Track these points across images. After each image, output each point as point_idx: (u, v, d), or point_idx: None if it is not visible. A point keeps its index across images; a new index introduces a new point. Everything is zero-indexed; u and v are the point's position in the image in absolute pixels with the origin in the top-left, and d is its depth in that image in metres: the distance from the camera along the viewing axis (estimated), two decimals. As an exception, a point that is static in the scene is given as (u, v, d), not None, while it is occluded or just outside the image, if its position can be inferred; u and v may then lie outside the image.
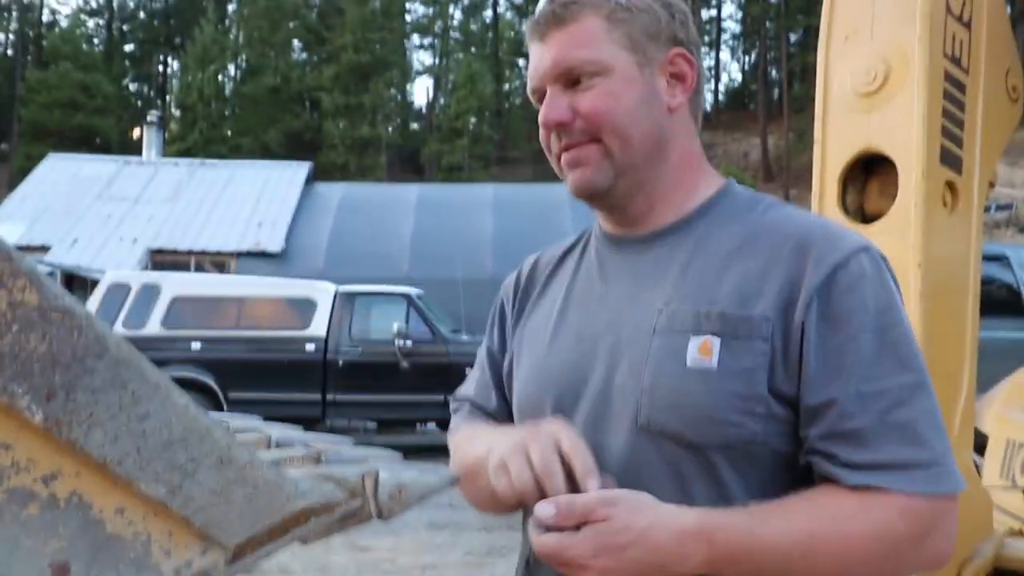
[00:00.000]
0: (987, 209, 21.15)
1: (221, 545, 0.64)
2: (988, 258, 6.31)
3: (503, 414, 1.06)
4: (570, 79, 0.91)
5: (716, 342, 0.83)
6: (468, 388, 1.12)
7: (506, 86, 43.46)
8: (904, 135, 1.70)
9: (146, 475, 0.60)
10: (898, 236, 1.69)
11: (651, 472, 0.85)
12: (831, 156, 1.82)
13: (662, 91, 0.93)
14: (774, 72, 41.21)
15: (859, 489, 0.79)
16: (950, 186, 1.76)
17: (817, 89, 1.89)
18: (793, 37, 37.86)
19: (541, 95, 0.94)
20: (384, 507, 0.71)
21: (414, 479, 0.73)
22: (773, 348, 0.83)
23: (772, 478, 0.84)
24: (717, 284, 0.87)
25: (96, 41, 44.07)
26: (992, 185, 1.97)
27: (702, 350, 0.84)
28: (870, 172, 1.83)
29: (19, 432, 0.56)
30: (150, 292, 8.02)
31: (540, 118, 0.93)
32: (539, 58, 0.94)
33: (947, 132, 1.74)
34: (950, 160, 1.75)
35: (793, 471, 0.85)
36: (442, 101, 41.58)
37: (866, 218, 1.82)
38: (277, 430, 0.90)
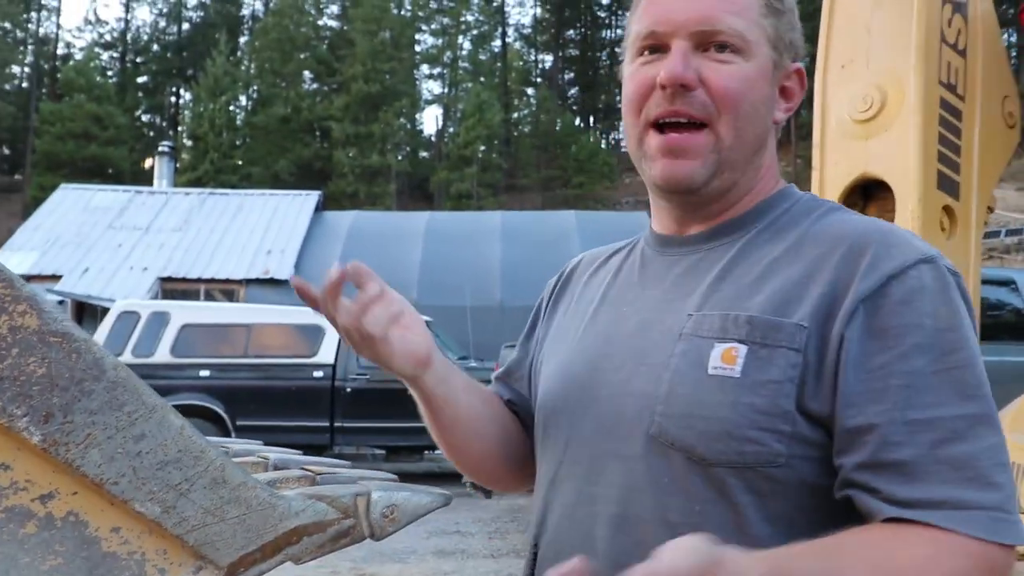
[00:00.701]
0: (997, 234, 21.03)
1: (215, 563, 0.65)
2: (997, 283, 6.30)
3: (515, 403, 1.03)
4: (707, 41, 0.81)
5: (742, 349, 0.75)
6: (502, 369, 1.09)
7: (515, 115, 43.85)
8: (901, 161, 1.72)
9: (141, 495, 0.62)
10: (897, 261, 1.71)
11: (660, 487, 0.77)
12: (829, 182, 1.84)
13: (775, 101, 0.88)
14: (780, 99, 41.39)
15: (916, 526, 0.68)
16: (947, 211, 1.78)
17: (815, 116, 1.92)
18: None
19: (657, 42, 0.83)
20: (376, 526, 0.72)
21: (406, 499, 0.74)
22: (806, 361, 0.73)
23: (798, 510, 0.74)
24: (754, 290, 0.79)
25: (110, 73, 44.80)
26: (991, 210, 1.98)
27: (725, 357, 0.76)
28: (868, 197, 1.85)
29: (17, 452, 0.58)
30: (159, 320, 8.07)
31: (660, 71, 0.81)
32: (677, 4, 0.82)
33: (944, 158, 1.76)
34: (947, 186, 1.77)
35: (826, 505, 0.74)
36: (451, 130, 41.95)
37: (865, 243, 1.83)
38: (275, 453, 0.92)
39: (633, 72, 0.85)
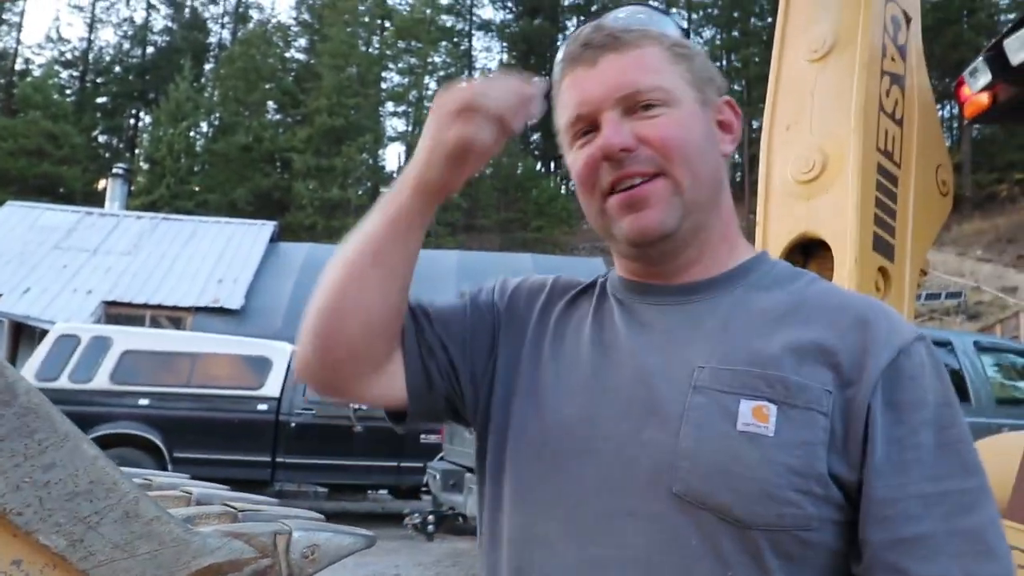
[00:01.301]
0: (937, 296, 21.68)
1: (121, 601, 0.63)
2: (935, 343, 6.49)
3: (419, 334, 0.91)
4: (632, 105, 0.83)
5: (773, 408, 0.74)
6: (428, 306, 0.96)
7: (476, 156, 44.17)
8: (839, 222, 1.78)
9: (47, 527, 0.59)
10: (833, 318, 1.76)
11: (688, 550, 0.73)
12: (772, 238, 1.89)
13: (717, 136, 0.89)
14: (737, 156, 42.57)
15: None
16: (883, 272, 1.84)
17: (760, 175, 1.98)
18: (755, 124, 39.31)
19: (587, 124, 0.85)
20: (295, 567, 0.71)
21: (328, 539, 0.73)
22: (832, 426, 0.74)
23: (819, 575, 0.75)
24: (766, 346, 0.78)
25: (69, 92, 44.07)
26: (924, 273, 2.06)
27: (757, 414, 0.74)
28: (808, 255, 1.90)
29: (-84, 478, 0.56)
30: (100, 345, 7.84)
31: (598, 145, 0.83)
32: (592, 83, 0.84)
33: (880, 221, 1.83)
34: (883, 248, 1.83)
35: (843, 571, 0.76)
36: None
37: (804, 299, 1.88)
38: (200, 488, 0.89)
39: (575, 158, 0.86)
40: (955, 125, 33.32)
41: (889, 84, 1.89)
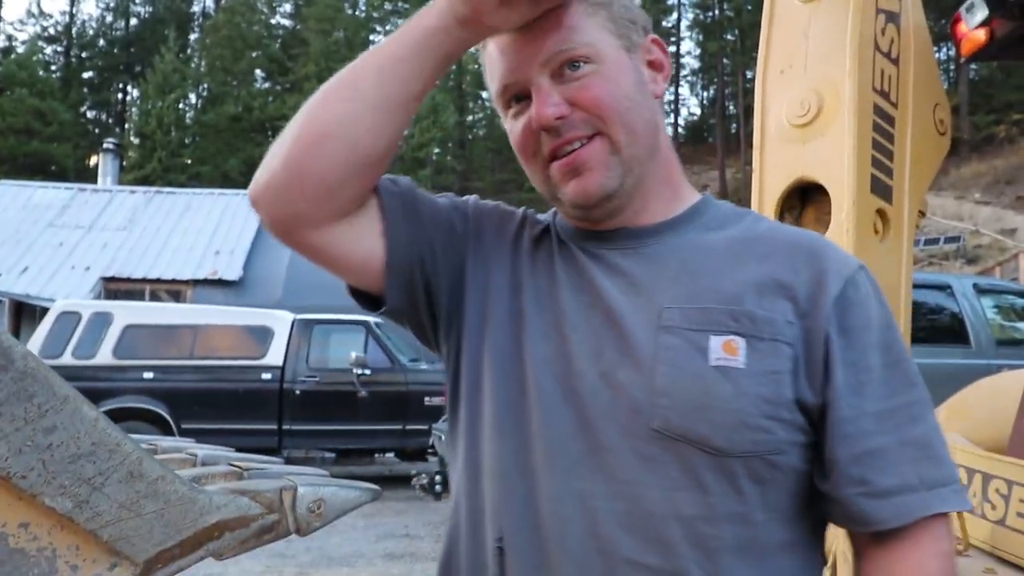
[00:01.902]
0: (936, 241, 21.62)
1: (131, 559, 0.63)
2: (935, 287, 6.50)
3: (387, 203, 0.88)
4: (558, 68, 0.83)
5: (741, 342, 0.78)
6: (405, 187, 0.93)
7: (469, 117, 43.80)
8: (836, 165, 1.76)
9: (51, 489, 0.60)
10: (832, 262, 1.75)
11: (669, 481, 0.77)
12: (768, 184, 1.88)
13: (648, 79, 0.88)
14: (731, 107, 42.21)
15: (904, 538, 0.79)
16: (881, 214, 1.83)
17: (755, 120, 1.96)
18: (749, 73, 38.84)
19: (517, 91, 0.86)
20: (302, 521, 0.71)
21: (333, 494, 0.73)
22: (795, 354, 0.79)
23: (788, 495, 0.80)
24: (729, 284, 0.82)
25: (54, 68, 43.47)
26: (923, 214, 2.04)
27: (727, 348, 0.78)
28: (806, 200, 1.89)
29: (-82, 445, 0.56)
30: (101, 321, 7.85)
31: (533, 115, 0.84)
32: (517, 49, 0.84)
33: (877, 163, 1.81)
34: (880, 190, 1.82)
35: (807, 490, 0.81)
36: (405, 132, 41.70)
37: (803, 245, 1.88)
38: (204, 450, 0.89)
39: (511, 127, 0.87)
40: (952, 67, 32.95)
41: (884, 22, 1.86)
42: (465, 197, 0.99)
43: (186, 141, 35.60)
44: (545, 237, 0.94)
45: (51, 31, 45.66)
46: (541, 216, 0.98)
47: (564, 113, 0.83)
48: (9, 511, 0.58)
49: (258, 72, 41.37)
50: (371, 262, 0.87)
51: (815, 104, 1.80)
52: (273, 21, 44.04)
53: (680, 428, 0.77)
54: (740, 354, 0.78)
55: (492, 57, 0.87)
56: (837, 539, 1.66)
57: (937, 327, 6.10)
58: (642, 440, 0.78)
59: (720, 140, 37.84)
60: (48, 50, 44.34)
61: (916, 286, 2.01)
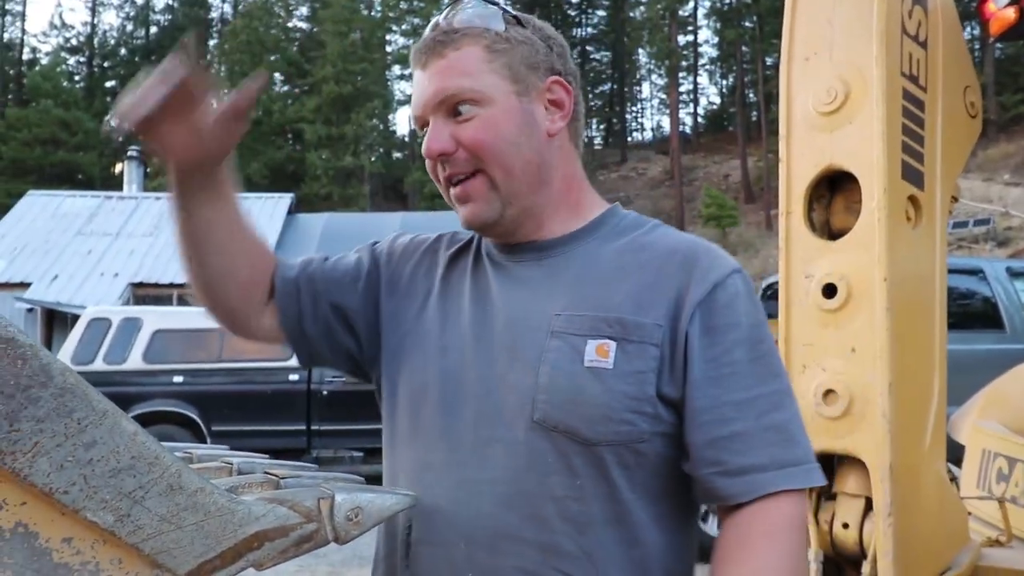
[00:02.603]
0: (965, 224, 21.29)
1: (172, 572, 0.63)
2: (966, 272, 6.38)
3: (291, 289, 1.04)
4: (451, 108, 0.94)
5: (612, 345, 0.89)
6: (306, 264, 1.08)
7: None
8: (865, 152, 1.73)
9: (93, 503, 0.60)
10: (863, 251, 1.72)
11: (545, 466, 0.88)
12: (796, 174, 1.85)
13: (541, 118, 0.97)
14: (751, 94, 41.80)
15: (753, 506, 0.88)
16: (913, 201, 1.79)
17: (780, 110, 1.93)
18: (769, 60, 38.43)
19: (423, 123, 0.97)
20: (340, 530, 0.71)
21: (371, 501, 0.73)
22: (662, 354, 0.89)
23: (655, 478, 0.91)
24: (611, 293, 0.92)
25: (77, 78, 44.11)
26: (955, 199, 2.00)
27: (599, 351, 0.89)
28: (835, 189, 1.86)
29: (-38, 463, 0.56)
30: (131, 326, 7.95)
31: (423, 148, 0.96)
32: (421, 87, 0.97)
33: (908, 148, 1.78)
34: (912, 176, 1.79)
35: (675, 474, 0.92)
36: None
37: (832, 234, 1.85)
38: (240, 458, 0.90)
39: (422, 147, 0.98)
40: (977, 46, 32.36)
41: (911, 5, 1.82)
42: (383, 241, 1.12)
43: (208, 146, 35.89)
44: (464, 253, 1.05)
45: (74, 42, 46.36)
46: (462, 235, 1.09)
47: (447, 149, 0.94)
48: (52, 526, 0.59)
49: (276, 75, 41.67)
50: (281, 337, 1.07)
51: (842, 91, 1.77)
52: (290, 24, 44.35)
53: (555, 420, 0.88)
54: (610, 356, 0.89)
55: (413, 87, 0.99)
56: (875, 535, 1.64)
57: (970, 312, 6.00)
58: (524, 431, 0.89)
59: (740, 129, 37.51)
60: (71, 61, 45.04)
61: (948, 271, 1.97)
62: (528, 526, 0.88)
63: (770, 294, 6.81)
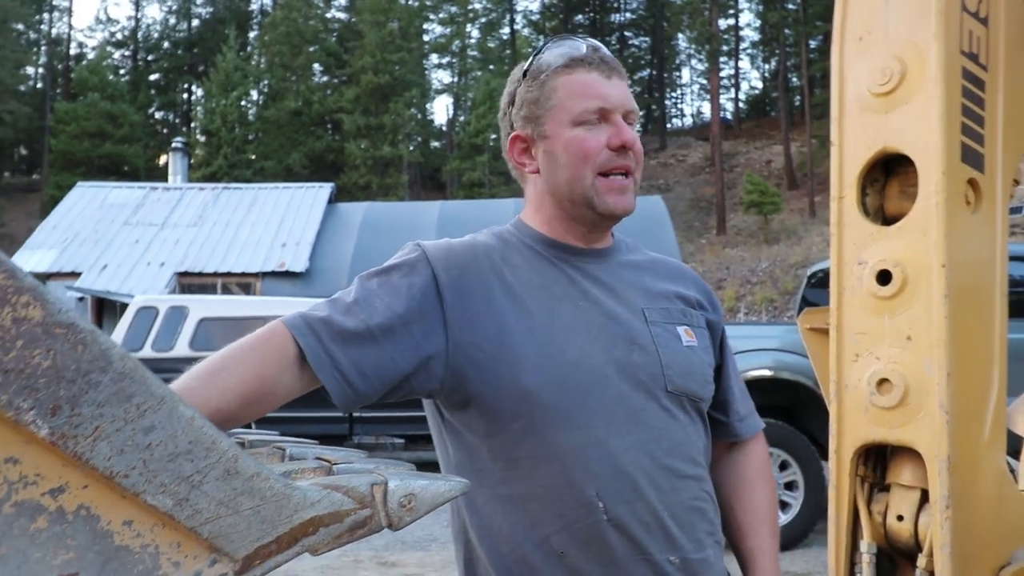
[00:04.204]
0: (1018, 210, 20.66)
1: (230, 556, 0.63)
2: (1022, 259, 6.18)
3: (362, 392, 1.10)
4: (626, 117, 1.17)
5: (692, 330, 1.21)
6: (340, 335, 1.09)
7: (525, 102, 43.52)
8: (923, 134, 1.67)
9: (153, 487, 0.60)
10: (920, 237, 1.66)
11: (684, 420, 1.16)
12: (849, 158, 1.80)
13: None
14: (794, 78, 40.98)
15: (751, 442, 1.34)
16: (972, 184, 1.73)
17: (832, 92, 1.87)
18: (812, 43, 37.61)
19: (600, 116, 1.16)
20: (394, 516, 0.71)
21: (424, 487, 0.72)
22: (709, 335, 1.26)
23: (704, 422, 1.23)
24: (667, 292, 1.24)
25: (122, 71, 44.98)
26: (1017, 183, 1.93)
27: (687, 334, 1.20)
28: (890, 173, 1.80)
29: (26, 446, 0.57)
30: (178, 314, 8.12)
31: (623, 138, 1.15)
32: (611, 91, 1.17)
33: (967, 130, 1.71)
34: (971, 158, 1.72)
35: (705, 417, 1.24)
36: (462, 118, 41.82)
37: (887, 219, 1.79)
38: (291, 443, 0.91)
39: (580, 135, 1.15)
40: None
41: (972, -20, 1.75)
42: (415, 260, 1.14)
43: (249, 137, 36.45)
44: (511, 252, 1.19)
45: (119, 36, 47.29)
46: (486, 239, 1.21)
47: (634, 147, 1.18)
48: (113, 509, 0.59)
49: (316, 66, 42.02)
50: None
51: (898, 71, 1.71)
52: (328, 15, 44.63)
53: (682, 388, 1.16)
54: (694, 337, 1.21)
55: (582, 83, 1.17)
56: (932, 527, 1.59)
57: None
58: (661, 399, 1.14)
59: (784, 114, 36.80)
60: (116, 55, 45.92)
61: (1009, 258, 1.90)
62: (689, 466, 1.14)
63: (814, 282, 6.66)
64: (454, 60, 43.94)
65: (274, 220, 18.22)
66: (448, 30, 43.53)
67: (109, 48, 44.95)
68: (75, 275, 16.05)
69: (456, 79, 44.45)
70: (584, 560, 1.08)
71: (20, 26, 42.52)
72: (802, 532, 5.11)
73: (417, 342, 1.08)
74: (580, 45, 1.19)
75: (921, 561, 1.60)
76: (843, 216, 1.79)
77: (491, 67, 40.59)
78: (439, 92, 44.99)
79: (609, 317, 1.15)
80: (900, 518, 1.67)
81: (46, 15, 45.93)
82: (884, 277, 1.68)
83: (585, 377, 1.11)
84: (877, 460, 1.75)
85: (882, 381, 1.65)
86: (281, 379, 1.05)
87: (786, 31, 39.11)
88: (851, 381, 1.70)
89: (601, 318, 1.15)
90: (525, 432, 1.09)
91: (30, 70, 44.20)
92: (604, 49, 1.21)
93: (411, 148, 37.34)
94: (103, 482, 0.58)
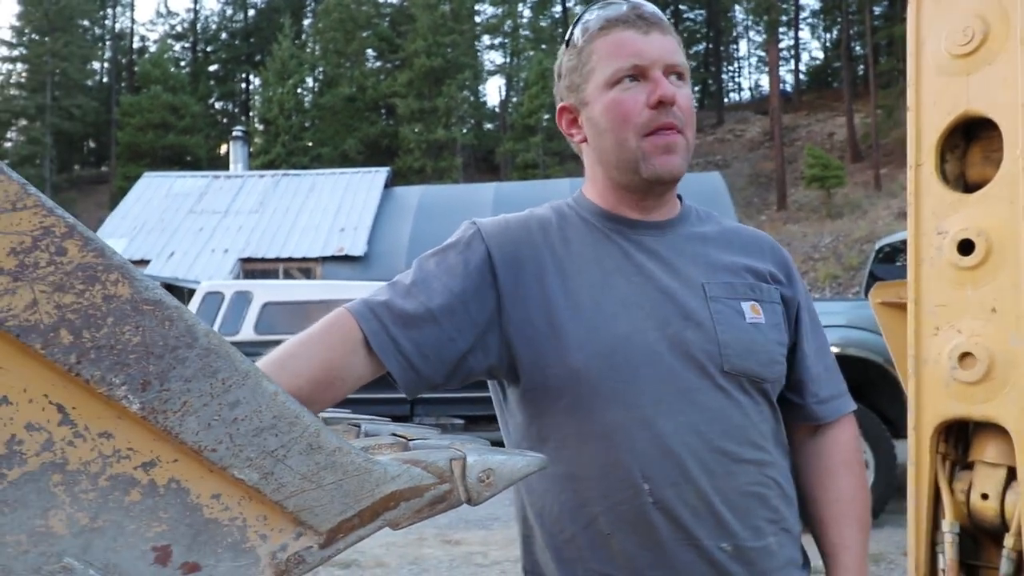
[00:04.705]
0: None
1: (315, 529, 0.64)
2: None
3: (425, 374, 1.07)
4: (670, 74, 1.09)
5: (758, 305, 1.11)
6: (403, 317, 1.06)
7: (578, 80, 43.12)
8: (1008, 96, 1.59)
9: (239, 461, 0.61)
10: (1005, 204, 1.59)
11: (742, 402, 1.08)
12: (927, 123, 1.72)
13: None
14: (857, 47, 39.61)
15: (835, 427, 1.20)
16: (1061, 148, 1.64)
17: (909, 54, 1.79)
18: (877, 9, 36.25)
19: (637, 73, 1.08)
20: (473, 491, 0.70)
21: (502, 463, 0.71)
22: (782, 310, 1.14)
23: (775, 403, 1.14)
24: (732, 264, 1.13)
25: (183, 63, 46.10)
26: (1109, 145, 1.82)
27: (753, 310, 1.10)
28: (971, 138, 1.72)
29: (118, 421, 0.58)
30: (242, 299, 8.33)
31: (660, 92, 1.06)
32: (648, 46, 1.09)
33: (1055, 90, 1.62)
34: (1060, 120, 1.63)
35: (779, 398, 1.16)
36: (515, 100, 41.67)
37: (968, 187, 1.71)
38: (364, 420, 0.92)
39: (616, 97, 1.09)
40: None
41: (1062, -70, 1.65)
42: (470, 236, 1.13)
43: (306, 124, 37.01)
44: (567, 226, 1.14)
45: (179, 28, 48.45)
46: (544, 212, 1.18)
47: (677, 99, 1.08)
48: (202, 483, 0.60)
49: (369, 52, 42.36)
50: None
51: (980, 30, 1.63)
52: (381, 0, 44.88)
53: (741, 368, 1.07)
54: (761, 314, 1.10)
55: (616, 43, 1.10)
56: (1020, 506, 1.53)
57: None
58: (716, 379, 1.06)
59: (847, 84, 35.64)
60: (177, 47, 47.08)
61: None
62: (747, 450, 1.07)
63: (882, 256, 6.47)
64: (506, 40, 43.74)
65: (332, 205, 18.51)
66: (500, 10, 43.31)
67: (170, 41, 46.09)
68: (144, 263, 16.61)
69: (508, 60, 44.27)
70: (630, 543, 1.05)
71: (86, 22, 43.92)
72: (873, 512, 5.00)
73: (474, 319, 1.07)
74: (621, 5, 1.12)
75: (1008, 540, 1.54)
76: (921, 184, 1.72)
77: (543, 46, 40.26)
78: (491, 73, 44.90)
79: (664, 292, 1.08)
80: (985, 496, 1.61)
81: (110, 10, 47.33)
82: (966, 247, 1.61)
83: (635, 353, 1.05)
84: (959, 437, 1.68)
85: (964, 355, 1.58)
86: (349, 365, 1.04)
87: (848, -2, 37.75)
88: (931, 355, 1.64)
89: (655, 293, 1.08)
90: (572, 409, 1.07)
91: (95, 65, 45.67)
92: (648, 6, 1.12)
93: (464, 131, 37.41)
94: (192, 456, 0.59)
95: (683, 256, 1.11)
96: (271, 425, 0.61)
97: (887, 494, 4.97)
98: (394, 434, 0.86)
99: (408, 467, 0.68)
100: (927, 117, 1.72)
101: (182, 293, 13.80)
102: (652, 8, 1.12)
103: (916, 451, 1.64)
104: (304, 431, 0.62)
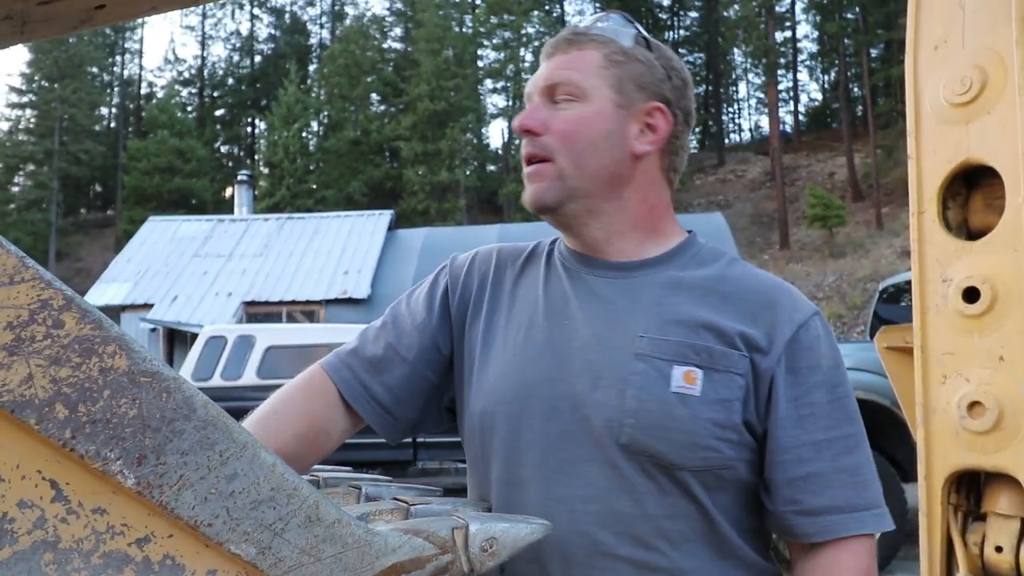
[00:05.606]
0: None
1: (312, 605, 0.63)
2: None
3: (400, 416, 1.07)
4: (552, 96, 0.99)
5: (700, 373, 0.91)
6: (357, 351, 1.08)
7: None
8: (1008, 144, 1.59)
9: (236, 535, 0.60)
10: (1009, 251, 1.58)
11: (636, 487, 0.91)
12: (928, 171, 1.73)
13: (631, 135, 1.00)
14: (855, 89, 40.08)
15: (830, 550, 0.92)
16: (1063, 195, 1.64)
17: (907, 103, 1.80)
18: (874, 52, 36.75)
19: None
20: (475, 560, 0.69)
21: (505, 531, 0.70)
22: (747, 384, 0.92)
23: (734, 500, 0.94)
24: (696, 320, 0.94)
25: (190, 108, 46.76)
26: (1111, 191, 1.82)
27: (687, 378, 0.91)
28: (973, 185, 1.72)
29: (113, 496, 0.57)
30: (245, 343, 8.31)
31: (514, 123, 1.01)
32: (540, 72, 1.02)
33: (1056, 137, 1.63)
34: (1061, 167, 1.63)
35: (751, 497, 0.96)
36: (517, 142, 42.05)
37: (971, 234, 1.71)
38: (365, 482, 0.90)
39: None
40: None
41: (1055, -19, 1.67)
42: (445, 266, 1.12)
43: (311, 167, 37.36)
44: (530, 265, 1.07)
45: (186, 74, 49.22)
46: (522, 246, 1.11)
47: (535, 128, 0.99)
48: (198, 559, 0.58)
49: (373, 96, 42.95)
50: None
51: (978, 79, 1.64)
52: (385, 45, 45.65)
53: (642, 445, 0.90)
54: (698, 383, 0.91)
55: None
56: (1036, 559, 1.50)
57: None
58: (612, 452, 0.91)
59: (846, 125, 35.97)
60: (184, 92, 47.75)
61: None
62: (624, 544, 0.90)
63: (887, 296, 6.45)
64: (508, 84, 44.32)
65: (336, 248, 18.58)
66: (502, 55, 43.99)
67: (177, 87, 46.79)
68: (148, 307, 16.63)
69: (511, 103, 44.82)
70: None
71: (95, 69, 44.66)
72: (884, 560, 4.91)
73: (442, 352, 1.07)
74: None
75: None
76: (923, 232, 1.72)
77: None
78: (494, 116, 45.40)
79: (589, 341, 0.95)
80: (999, 549, 1.57)
81: (119, 57, 48.17)
82: (971, 295, 1.60)
83: (534, 405, 0.95)
84: (971, 487, 1.66)
85: (973, 404, 1.56)
86: (331, 419, 1.04)
87: (845, 41, 38.33)
88: (939, 404, 1.62)
89: (579, 341, 0.95)
90: (473, 460, 1.04)
91: (103, 111, 46.32)
92: (576, 27, 1.03)
93: (468, 173, 37.71)
94: (187, 531, 0.58)
95: (636, 303, 0.96)
96: (269, 497, 0.60)
97: (898, 541, 4.88)
98: (395, 498, 0.85)
99: (409, 538, 0.67)
100: (928, 165, 1.73)
101: (185, 337, 13.79)
102: (578, 27, 1.03)
103: (927, 502, 1.61)
104: (303, 503, 0.61)
